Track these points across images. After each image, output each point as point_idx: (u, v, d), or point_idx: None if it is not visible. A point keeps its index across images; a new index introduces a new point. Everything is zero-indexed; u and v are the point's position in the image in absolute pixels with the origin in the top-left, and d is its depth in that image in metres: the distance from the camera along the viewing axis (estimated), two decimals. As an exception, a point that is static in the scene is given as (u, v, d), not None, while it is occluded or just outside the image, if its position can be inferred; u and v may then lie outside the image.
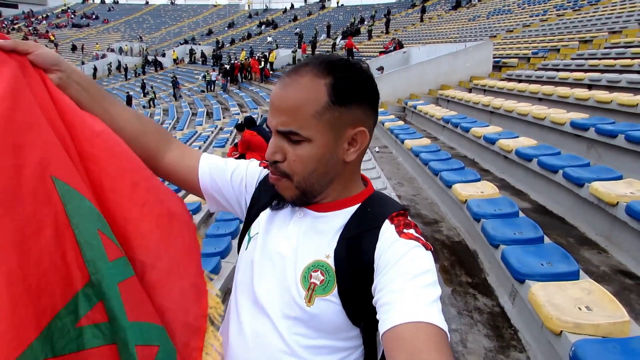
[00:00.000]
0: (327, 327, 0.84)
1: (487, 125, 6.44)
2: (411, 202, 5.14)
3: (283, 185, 0.87)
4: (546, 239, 3.02)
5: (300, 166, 0.84)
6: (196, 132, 15.70)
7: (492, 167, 5.73)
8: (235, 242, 3.93)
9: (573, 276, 2.46)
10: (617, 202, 3.14)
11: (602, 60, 8.41)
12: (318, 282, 0.84)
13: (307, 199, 0.89)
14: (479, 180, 4.37)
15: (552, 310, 2.13)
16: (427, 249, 0.81)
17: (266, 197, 1.00)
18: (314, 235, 0.89)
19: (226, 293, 3.70)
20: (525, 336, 2.62)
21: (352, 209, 0.90)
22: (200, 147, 12.81)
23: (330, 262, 0.85)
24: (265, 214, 0.99)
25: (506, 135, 5.55)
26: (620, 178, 3.58)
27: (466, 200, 3.87)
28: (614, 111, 5.56)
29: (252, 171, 1.07)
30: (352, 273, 0.83)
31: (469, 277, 3.42)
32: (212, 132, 14.95)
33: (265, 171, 1.04)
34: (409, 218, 0.90)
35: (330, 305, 0.83)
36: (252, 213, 1.02)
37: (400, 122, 8.63)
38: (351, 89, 0.83)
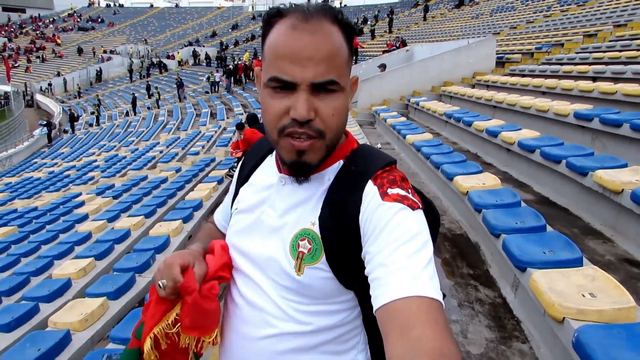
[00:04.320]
0: (320, 294, 0.83)
1: (490, 119, 6.34)
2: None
3: (315, 147, 0.79)
4: (549, 228, 2.94)
5: (336, 120, 0.79)
6: (200, 132, 15.73)
7: (494, 160, 5.64)
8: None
9: (576, 263, 2.38)
10: (622, 190, 3.05)
11: (606, 52, 8.29)
12: (306, 251, 0.82)
13: (327, 158, 0.84)
14: (480, 172, 4.29)
15: (554, 296, 2.06)
16: (414, 208, 0.78)
17: (247, 171, 1.00)
18: (299, 202, 0.86)
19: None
20: (528, 326, 2.55)
21: (336, 168, 0.87)
22: (203, 147, 12.83)
23: (316, 229, 0.83)
24: (247, 187, 0.98)
25: (508, 128, 5.45)
26: (625, 166, 3.48)
27: (467, 191, 3.79)
28: (618, 102, 5.45)
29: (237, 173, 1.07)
30: (338, 240, 0.81)
31: (470, 269, 3.35)
32: (216, 132, 14.98)
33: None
34: (397, 170, 0.86)
35: (319, 272, 0.82)
36: (236, 192, 1.02)
37: (403, 119, 8.55)
38: (352, 39, 0.82)
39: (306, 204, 0.86)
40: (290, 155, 0.80)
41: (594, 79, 6.98)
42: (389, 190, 0.79)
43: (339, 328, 0.87)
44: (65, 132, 25.52)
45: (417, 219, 0.77)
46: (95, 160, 14.73)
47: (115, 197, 8.43)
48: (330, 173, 0.86)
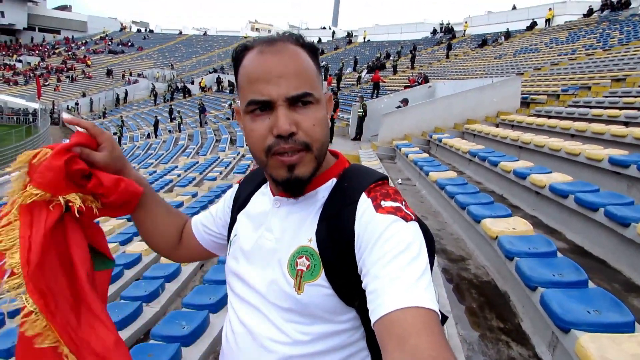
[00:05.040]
0: (321, 312, 0.83)
1: (517, 160, 6.14)
2: (436, 237, 4.83)
3: (304, 160, 0.81)
4: (590, 283, 2.70)
5: (319, 130, 0.81)
6: (218, 157, 15.79)
7: (522, 203, 5.41)
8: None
9: (628, 327, 2.14)
10: (671, 245, 2.81)
11: (637, 98, 8.08)
12: (304, 268, 0.83)
13: (317, 172, 0.86)
14: (510, 215, 4.08)
15: (607, 367, 1.82)
16: (407, 219, 0.78)
17: (243, 198, 1.03)
18: (295, 221, 0.88)
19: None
20: (568, 394, 2.29)
21: (329, 185, 0.89)
22: (221, 173, 12.82)
23: (314, 245, 0.84)
24: (243, 215, 1.00)
25: (538, 170, 5.24)
26: (670, 218, 3.24)
27: (497, 236, 3.57)
28: (655, 149, 5.23)
29: (229, 193, 1.11)
30: (335, 254, 0.82)
31: (500, 322, 3.10)
32: (234, 159, 15.01)
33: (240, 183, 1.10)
34: (388, 185, 0.87)
35: (320, 289, 0.82)
36: (232, 220, 1.04)
37: (425, 155, 8.40)
38: (317, 58, 0.88)
39: (302, 221, 0.87)
40: (281, 173, 0.82)
41: (626, 124, 6.76)
42: (383, 203, 0.81)
43: (343, 350, 0.85)
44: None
45: (411, 230, 0.77)
46: (114, 180, 14.81)
47: (129, 220, 8.34)
48: (323, 191, 0.88)
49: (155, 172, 14.92)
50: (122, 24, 74.28)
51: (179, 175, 13.29)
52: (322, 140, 0.83)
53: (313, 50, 0.86)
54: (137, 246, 6.16)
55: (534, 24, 30.60)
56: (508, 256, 3.24)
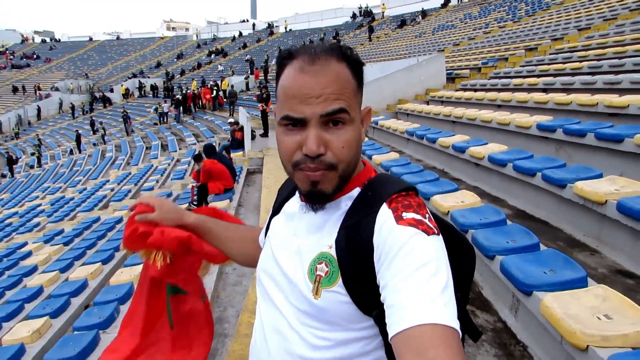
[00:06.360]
0: (337, 319, 0.83)
1: (453, 135, 6.41)
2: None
3: (328, 178, 0.83)
4: (542, 246, 2.87)
5: (347, 152, 0.82)
6: (152, 165, 15.12)
7: (463, 175, 5.66)
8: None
9: (582, 282, 2.30)
10: (606, 201, 3.05)
11: (551, 65, 8.70)
12: (323, 274, 0.84)
13: (342, 187, 0.87)
14: (457, 190, 4.24)
15: (573, 323, 1.94)
16: (429, 233, 0.77)
17: (278, 203, 1.06)
18: (318, 227, 0.89)
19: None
20: (537, 352, 2.43)
21: (353, 194, 0.89)
22: (157, 181, 12.29)
23: (333, 252, 0.85)
24: (277, 218, 1.03)
25: (475, 143, 5.50)
26: (600, 176, 3.52)
27: (449, 211, 3.71)
28: (574, 112, 5.66)
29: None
30: (354, 262, 0.82)
31: (463, 293, 3.23)
32: (169, 165, 14.46)
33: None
34: (415, 197, 0.86)
35: (336, 296, 0.82)
36: (269, 222, 1.08)
37: (365, 138, 8.53)
38: (361, 73, 0.88)
39: (324, 228, 0.88)
40: (305, 186, 0.84)
41: (545, 91, 7.25)
42: (404, 214, 0.79)
43: (360, 358, 0.85)
44: (4, 176, 23.87)
45: (433, 244, 0.76)
46: (40, 205, 13.74)
47: (66, 244, 7.78)
48: (347, 200, 0.89)
49: (85, 189, 14.02)
50: (23, 36, 68.48)
51: (112, 190, 12.58)
52: (349, 161, 0.84)
53: (357, 64, 0.86)
54: (80, 271, 5.76)
55: (447, 1, 31.94)
56: (462, 229, 3.37)
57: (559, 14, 14.42)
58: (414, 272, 0.72)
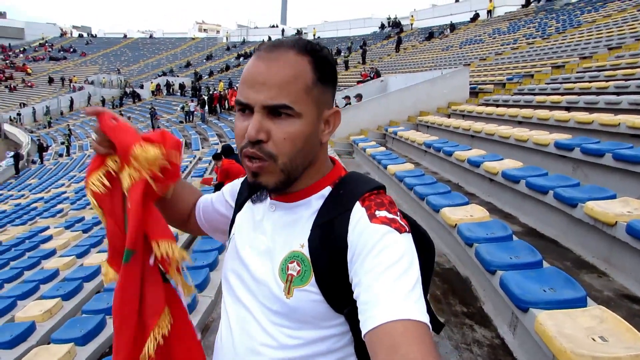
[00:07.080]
0: (309, 317, 0.83)
1: (470, 149, 6.37)
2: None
3: (266, 169, 0.81)
4: (544, 263, 2.85)
5: (289, 145, 0.80)
6: (174, 162, 15.36)
7: (477, 190, 5.61)
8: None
9: (580, 302, 2.28)
10: (616, 222, 3.00)
11: (576, 83, 8.56)
12: (295, 273, 0.84)
13: (289, 184, 0.85)
14: (467, 203, 4.22)
15: (565, 342, 1.93)
16: (401, 231, 0.78)
17: (242, 198, 1.03)
18: (288, 226, 0.88)
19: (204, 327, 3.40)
20: (530, 370, 2.41)
21: (325, 193, 0.89)
22: (177, 178, 12.50)
23: (305, 251, 0.84)
24: (242, 215, 1.01)
25: (490, 158, 5.46)
26: (614, 197, 3.46)
27: (456, 224, 3.69)
28: (595, 131, 5.56)
29: (232, 186, 1.10)
30: (327, 261, 0.82)
31: (463, 307, 3.21)
32: (191, 163, 14.69)
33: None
34: (385, 195, 0.87)
35: (309, 295, 0.82)
36: (233, 218, 1.04)
37: (382, 149, 8.54)
38: (329, 69, 0.85)
39: (295, 227, 0.87)
40: (249, 177, 0.84)
41: (568, 109, 7.14)
42: (377, 213, 0.80)
43: (330, 355, 0.85)
44: (34, 162, 24.66)
45: (404, 243, 0.77)
46: (65, 192, 14.16)
47: (85, 231, 8.02)
48: (318, 198, 0.88)
49: (108, 181, 14.35)
50: (62, 30, 70.79)
51: (134, 183, 12.86)
52: (291, 156, 0.81)
53: (322, 60, 0.84)
54: (95, 258, 5.94)
55: (476, 15, 31.71)
56: (468, 243, 3.36)
57: (590, 32, 14.16)
58: (387, 269, 0.73)
